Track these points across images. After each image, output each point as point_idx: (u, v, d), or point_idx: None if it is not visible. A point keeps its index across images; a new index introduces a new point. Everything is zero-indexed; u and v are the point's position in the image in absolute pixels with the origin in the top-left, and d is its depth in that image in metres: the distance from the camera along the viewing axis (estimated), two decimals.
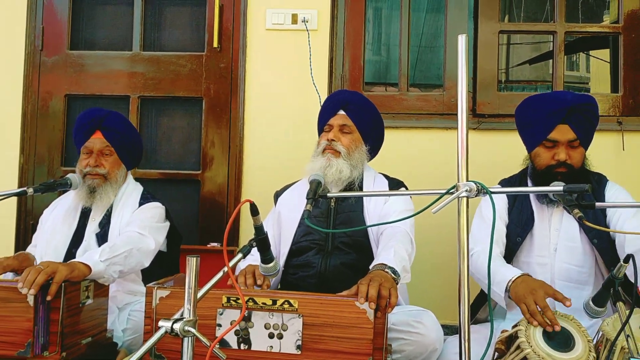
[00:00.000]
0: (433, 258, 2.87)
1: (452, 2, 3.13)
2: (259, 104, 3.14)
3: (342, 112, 2.38)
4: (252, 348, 1.70)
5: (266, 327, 1.69)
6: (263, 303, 1.70)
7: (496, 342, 1.77)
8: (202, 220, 3.20)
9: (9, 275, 2.27)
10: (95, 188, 2.40)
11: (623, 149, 2.95)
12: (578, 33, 3.30)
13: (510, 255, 2.18)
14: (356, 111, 2.38)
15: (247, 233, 3.07)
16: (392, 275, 1.85)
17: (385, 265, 1.89)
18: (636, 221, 2.05)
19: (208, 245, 2.95)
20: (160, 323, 1.24)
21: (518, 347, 1.67)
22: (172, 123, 3.30)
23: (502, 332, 1.79)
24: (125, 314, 2.30)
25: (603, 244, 2.09)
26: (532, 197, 2.21)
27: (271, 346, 1.69)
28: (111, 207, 2.44)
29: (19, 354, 1.78)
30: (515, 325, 1.75)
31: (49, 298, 1.83)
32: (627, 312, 1.56)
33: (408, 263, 2.04)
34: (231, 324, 1.68)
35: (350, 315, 1.67)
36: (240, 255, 1.51)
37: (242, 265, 2.16)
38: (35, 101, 3.28)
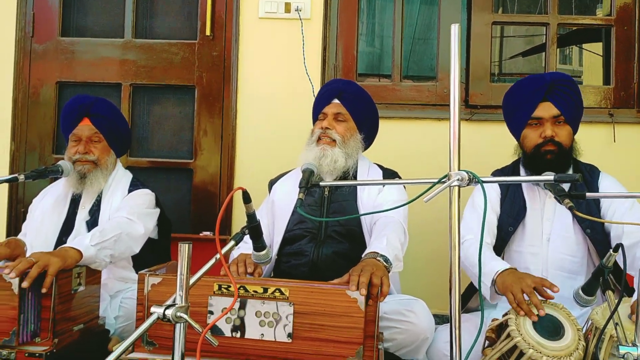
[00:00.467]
0: (425, 248, 2.88)
1: None
2: (252, 92, 3.13)
3: (336, 100, 2.38)
4: (245, 336, 1.70)
5: (257, 315, 1.69)
6: (254, 291, 1.70)
7: (487, 331, 1.78)
8: (194, 210, 3.19)
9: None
10: (86, 174, 2.39)
11: (614, 141, 2.98)
12: (571, 25, 3.32)
13: (502, 245, 2.20)
14: (351, 100, 2.38)
15: (239, 222, 3.07)
16: (384, 263, 1.85)
17: (378, 253, 1.89)
18: (632, 215, 2.07)
19: (200, 234, 2.95)
20: (153, 309, 1.24)
21: (508, 335, 1.68)
22: (164, 111, 3.28)
23: (493, 320, 1.81)
24: (117, 301, 2.30)
25: (596, 234, 2.11)
26: (524, 187, 2.23)
27: (262, 334, 1.69)
28: (101, 194, 2.44)
29: (4, 342, 1.74)
30: (506, 314, 1.77)
31: (44, 290, 1.81)
32: (616, 300, 1.57)
33: (400, 252, 2.04)
34: (222, 312, 1.68)
35: (341, 304, 1.67)
36: (232, 242, 1.51)
37: (235, 254, 2.17)
38: (26, 88, 3.25)
